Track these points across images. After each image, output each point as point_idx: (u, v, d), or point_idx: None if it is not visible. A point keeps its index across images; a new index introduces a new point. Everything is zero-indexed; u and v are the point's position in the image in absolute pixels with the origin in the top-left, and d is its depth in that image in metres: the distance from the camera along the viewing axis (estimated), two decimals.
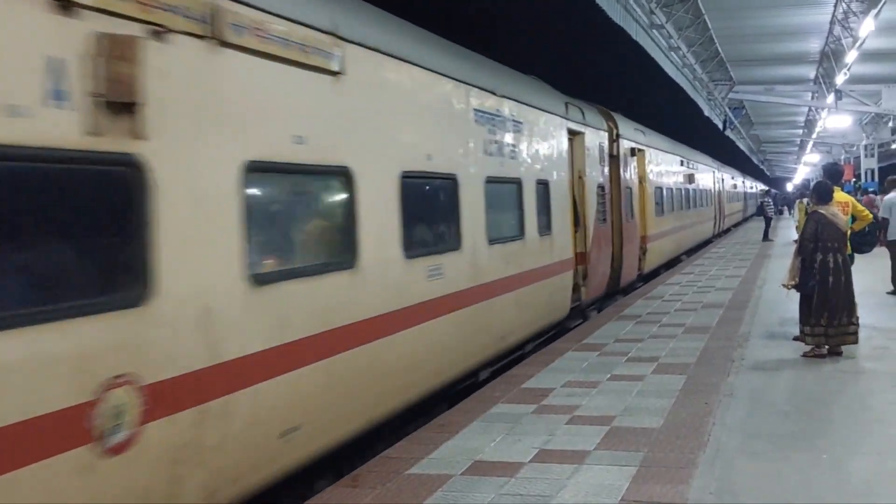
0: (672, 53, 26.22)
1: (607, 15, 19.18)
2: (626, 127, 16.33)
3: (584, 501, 4.90)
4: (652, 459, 5.57)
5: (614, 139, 15.04)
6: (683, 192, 24.21)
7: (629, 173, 16.22)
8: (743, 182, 55.08)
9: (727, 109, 37.96)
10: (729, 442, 5.95)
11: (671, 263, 21.74)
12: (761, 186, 68.77)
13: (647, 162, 18.13)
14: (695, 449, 5.77)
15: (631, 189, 16.25)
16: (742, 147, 61.64)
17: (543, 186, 10.48)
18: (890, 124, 37.85)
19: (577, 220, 12.20)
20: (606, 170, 14.15)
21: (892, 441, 5.95)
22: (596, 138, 13.51)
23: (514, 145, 9.53)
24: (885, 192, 14.77)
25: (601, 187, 13.64)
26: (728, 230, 40.09)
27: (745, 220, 53.88)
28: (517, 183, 9.62)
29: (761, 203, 36.79)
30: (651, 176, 18.69)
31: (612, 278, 14.45)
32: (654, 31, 23.26)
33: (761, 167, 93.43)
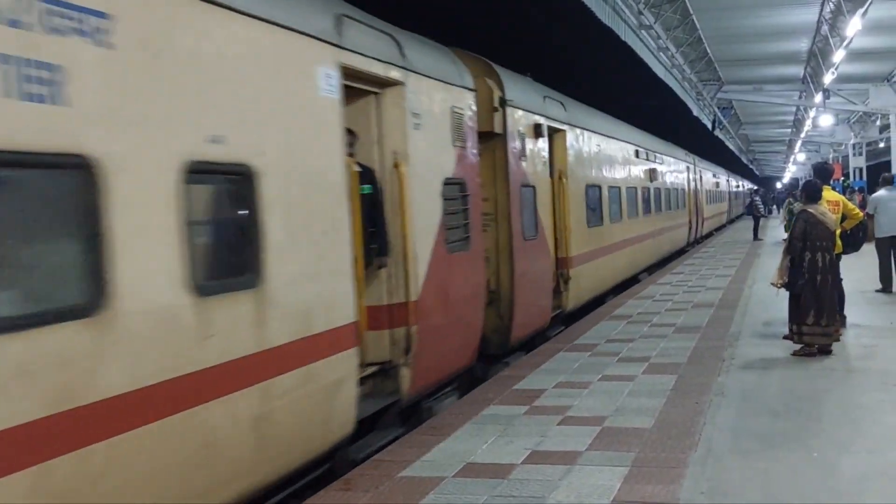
0: (661, 54, 26.31)
1: (596, 16, 19.24)
2: (522, 92, 10.50)
3: (577, 502, 4.90)
4: (643, 459, 5.59)
5: (496, 107, 9.27)
6: (640, 192, 18.63)
7: (533, 164, 10.59)
8: (727, 180, 48.59)
9: (716, 109, 38.14)
10: (720, 441, 5.97)
11: (623, 286, 16.56)
12: (748, 184, 68.85)
13: (570, 148, 12.45)
14: (686, 449, 5.79)
15: (535, 188, 10.58)
16: (731, 147, 61.89)
17: (235, 181, 4.96)
18: (878, 123, 38.10)
19: (384, 245, 6.78)
20: (474, 156, 8.60)
21: (882, 439, 5.98)
22: (441, 98, 7.87)
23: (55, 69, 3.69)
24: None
25: (457, 184, 8.06)
26: (710, 235, 35.82)
27: (732, 221, 49.93)
28: (81, 166, 3.82)
29: (751, 202, 36.98)
30: (579, 169, 13.04)
31: (495, 333, 9.42)
32: (643, 31, 23.33)
33: (750, 167, 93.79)
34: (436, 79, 7.83)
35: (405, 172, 6.99)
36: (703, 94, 34.59)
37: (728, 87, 33.94)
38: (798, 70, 31.04)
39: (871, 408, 6.80)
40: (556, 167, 11.95)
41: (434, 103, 7.72)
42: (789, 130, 54.42)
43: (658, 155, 21.70)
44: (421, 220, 7.22)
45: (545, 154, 11.26)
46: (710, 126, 40.07)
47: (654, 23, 23.55)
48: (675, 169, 25.42)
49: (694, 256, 23.89)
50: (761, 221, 32.35)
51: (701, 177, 32.25)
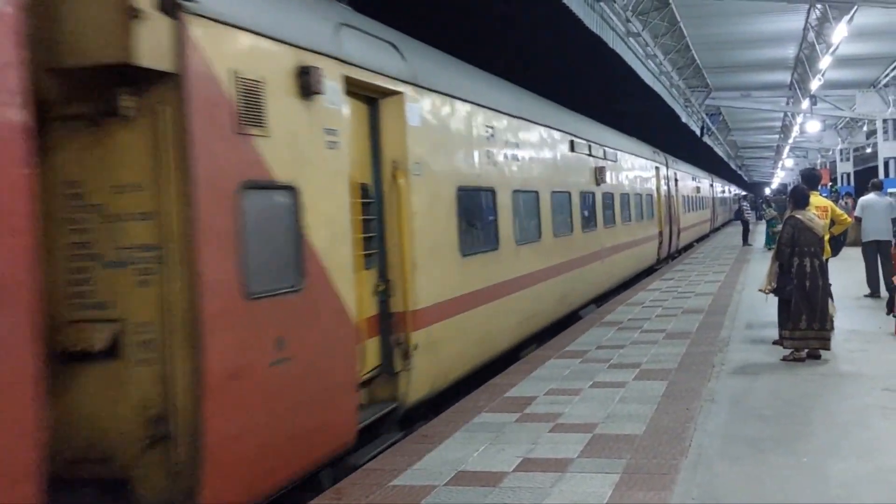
0: (649, 61, 26.44)
1: (584, 24, 19.31)
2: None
3: None
4: (635, 466, 5.60)
5: (136, 10, 4.13)
6: (578, 198, 13.60)
7: (294, 144, 5.45)
8: (711, 185, 42.10)
9: (704, 116, 38.38)
10: (710, 447, 5.99)
11: (556, 328, 12.03)
12: (735, 189, 68.82)
13: (417, 125, 7.41)
14: (677, 455, 5.80)
15: (297, 191, 5.43)
16: (720, 153, 62.25)
17: None
18: (865, 128, 38.40)
19: None
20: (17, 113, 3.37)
21: (870, 443, 6.01)
22: None
23: None
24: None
25: None
26: (690, 246, 31.13)
27: (716, 230, 44.61)
28: None
29: (739, 207, 37.19)
30: (442, 161, 8.00)
31: None
32: (631, 39, 23.44)
33: (739, 172, 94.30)
34: None
35: None
36: (692, 100, 34.79)
37: (716, 94, 34.18)
38: (785, 76, 31.27)
39: (860, 412, 6.83)
40: (386, 156, 7.10)
41: None
42: (777, 136, 54.77)
43: (611, 151, 16.56)
44: None
45: (336, 129, 5.99)
46: (698, 132, 40.29)
47: (642, 30, 23.67)
48: (640, 170, 20.44)
49: (683, 262, 23.91)
50: (751, 227, 32.49)
51: (677, 180, 27.21)
